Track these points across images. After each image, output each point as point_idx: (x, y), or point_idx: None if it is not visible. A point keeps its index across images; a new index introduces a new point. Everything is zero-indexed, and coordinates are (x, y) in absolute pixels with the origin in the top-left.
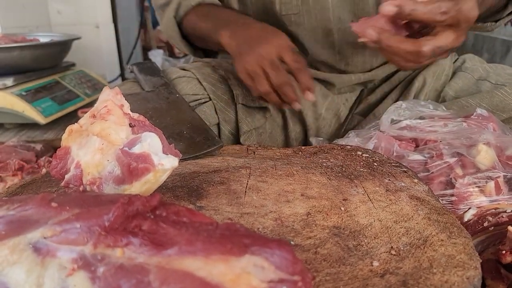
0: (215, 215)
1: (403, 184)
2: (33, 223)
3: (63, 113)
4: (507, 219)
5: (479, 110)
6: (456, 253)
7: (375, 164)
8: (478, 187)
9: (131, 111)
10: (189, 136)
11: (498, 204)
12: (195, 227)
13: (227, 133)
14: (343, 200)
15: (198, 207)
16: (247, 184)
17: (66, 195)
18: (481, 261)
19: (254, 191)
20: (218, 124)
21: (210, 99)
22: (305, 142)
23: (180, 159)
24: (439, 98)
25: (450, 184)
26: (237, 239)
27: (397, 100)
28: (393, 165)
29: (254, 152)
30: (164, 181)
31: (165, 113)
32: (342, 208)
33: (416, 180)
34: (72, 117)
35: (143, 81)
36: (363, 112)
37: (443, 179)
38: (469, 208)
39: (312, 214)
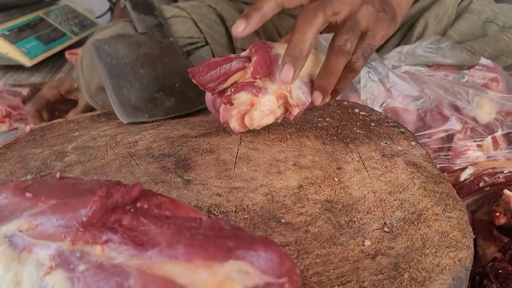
0: (203, 190)
1: (399, 147)
2: (8, 214)
3: (49, 53)
4: (504, 180)
5: (483, 60)
6: (450, 229)
7: (372, 124)
8: (476, 142)
9: (121, 55)
10: (181, 90)
11: (496, 160)
12: (177, 224)
13: None
14: (337, 169)
15: (186, 180)
16: (237, 153)
17: (42, 183)
18: (474, 237)
19: (245, 162)
20: None
21: (207, 43)
22: None
23: (170, 117)
24: None
25: (447, 139)
26: (220, 241)
27: (398, 45)
28: (391, 125)
29: None
30: (151, 147)
31: (157, 60)
32: (336, 179)
33: (413, 143)
34: (59, 58)
35: (136, 20)
36: None
37: (441, 134)
38: (466, 168)
39: (304, 186)
